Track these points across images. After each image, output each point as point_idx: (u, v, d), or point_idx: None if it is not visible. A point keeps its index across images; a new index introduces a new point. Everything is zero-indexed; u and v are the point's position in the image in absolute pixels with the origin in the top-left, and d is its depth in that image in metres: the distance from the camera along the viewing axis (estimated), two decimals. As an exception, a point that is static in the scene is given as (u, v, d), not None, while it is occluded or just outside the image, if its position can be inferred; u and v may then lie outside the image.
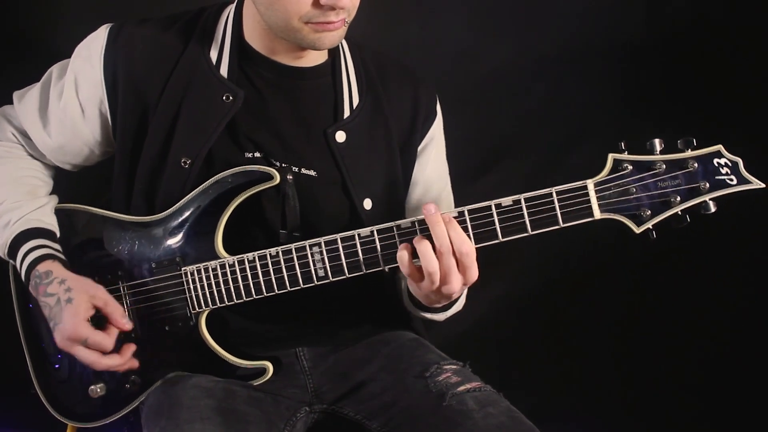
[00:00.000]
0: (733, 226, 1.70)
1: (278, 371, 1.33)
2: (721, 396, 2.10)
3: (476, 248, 1.18)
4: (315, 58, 1.38)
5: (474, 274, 1.18)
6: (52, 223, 1.38)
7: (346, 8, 1.23)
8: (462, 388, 1.28)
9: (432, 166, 1.48)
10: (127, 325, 1.30)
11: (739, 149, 1.15)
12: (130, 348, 1.32)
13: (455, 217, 1.19)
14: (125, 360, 1.31)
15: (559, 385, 2.12)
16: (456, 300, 1.33)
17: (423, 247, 1.16)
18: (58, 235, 1.38)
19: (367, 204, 1.37)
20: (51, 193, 1.46)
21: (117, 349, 1.30)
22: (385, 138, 1.41)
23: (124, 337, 1.32)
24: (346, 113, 1.38)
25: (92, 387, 1.35)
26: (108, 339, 1.28)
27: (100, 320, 1.30)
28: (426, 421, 1.26)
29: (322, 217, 1.36)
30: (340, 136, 1.36)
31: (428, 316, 1.40)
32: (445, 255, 1.15)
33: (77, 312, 1.26)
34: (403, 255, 1.18)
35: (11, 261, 1.37)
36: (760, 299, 2.03)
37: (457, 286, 1.17)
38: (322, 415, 1.38)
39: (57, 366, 1.40)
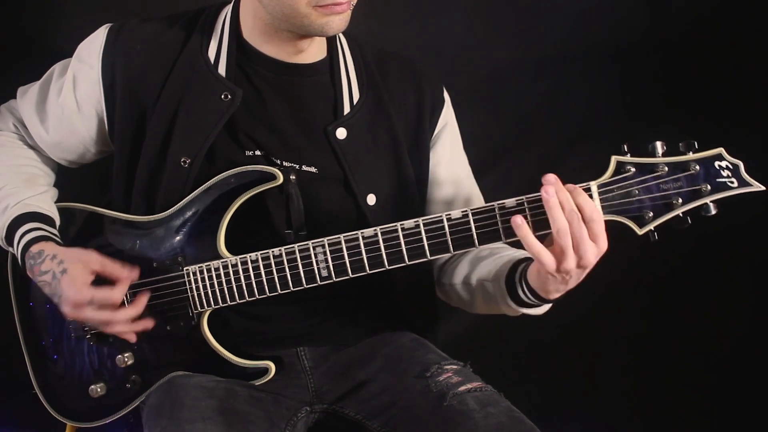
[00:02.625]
0: (734, 228, 1.71)
1: (280, 371, 1.33)
2: (722, 396, 2.10)
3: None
4: (313, 55, 1.38)
5: (605, 242, 1.14)
6: (50, 210, 1.38)
7: None
8: (463, 388, 1.28)
9: (449, 155, 1.46)
10: (133, 272, 1.28)
11: (740, 151, 1.15)
12: (143, 297, 1.29)
13: (458, 219, 1.19)
14: (138, 309, 1.28)
15: (559, 385, 2.13)
16: None
17: (554, 209, 1.12)
18: (58, 222, 1.38)
19: (371, 200, 1.37)
20: (53, 186, 1.46)
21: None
22: (388, 134, 1.40)
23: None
24: (347, 109, 1.38)
25: (92, 387, 1.35)
26: (113, 292, 1.26)
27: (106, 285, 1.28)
28: (426, 421, 1.26)
29: (325, 213, 1.36)
30: (341, 133, 1.36)
31: (531, 312, 1.33)
32: (575, 222, 1.11)
33: (74, 279, 1.25)
34: (523, 228, 1.13)
35: (10, 248, 1.36)
36: (761, 300, 2.04)
37: (591, 255, 1.13)
38: (323, 415, 1.38)
39: (55, 356, 1.39)
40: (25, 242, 1.31)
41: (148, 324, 1.30)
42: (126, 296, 1.31)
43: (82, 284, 1.25)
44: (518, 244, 1.20)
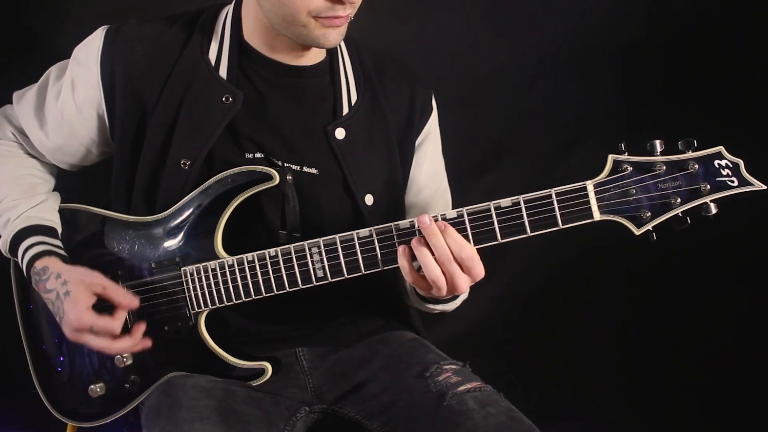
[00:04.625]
0: (734, 228, 1.70)
1: (277, 371, 1.33)
2: (722, 396, 2.10)
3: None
4: (314, 57, 1.38)
5: (479, 271, 1.17)
6: (52, 220, 1.38)
7: (355, 2, 1.24)
8: (462, 388, 1.28)
9: (429, 162, 1.48)
10: (133, 301, 1.29)
11: (740, 150, 1.14)
12: (141, 327, 1.31)
13: (454, 219, 1.19)
14: (137, 340, 1.30)
15: (559, 385, 2.13)
16: None
17: (423, 257, 1.16)
18: (60, 230, 1.38)
19: (369, 200, 1.37)
20: (53, 191, 1.46)
21: (127, 333, 1.30)
22: (383, 133, 1.41)
23: (134, 318, 1.32)
24: (345, 110, 1.38)
25: (92, 387, 1.35)
26: (113, 321, 1.27)
27: (106, 308, 1.29)
28: (426, 421, 1.26)
29: (324, 215, 1.36)
30: (340, 133, 1.36)
31: (438, 308, 1.40)
32: (447, 263, 1.16)
33: (77, 302, 1.26)
34: (403, 264, 1.18)
35: (14, 259, 1.37)
36: (761, 300, 2.03)
37: (465, 287, 1.18)
38: (322, 415, 1.38)
39: (59, 369, 1.40)
40: (30, 258, 1.32)
41: (146, 344, 1.31)
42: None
43: (84, 309, 1.26)
44: (517, 244, 1.20)
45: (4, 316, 1.49)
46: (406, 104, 1.44)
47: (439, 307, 1.40)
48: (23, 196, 1.38)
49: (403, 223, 1.21)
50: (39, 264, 1.31)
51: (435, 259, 1.16)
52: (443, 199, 1.52)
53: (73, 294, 1.27)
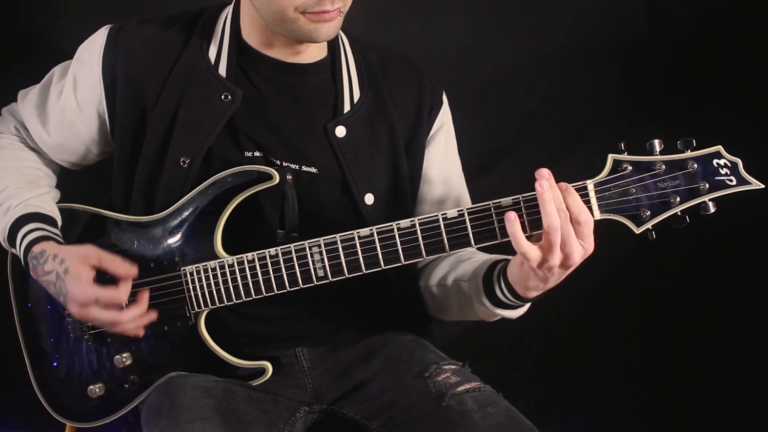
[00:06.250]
0: (733, 227, 1.70)
1: (278, 371, 1.33)
2: (722, 397, 2.10)
3: (476, 248, 1.17)
4: (314, 54, 1.38)
5: (592, 244, 1.14)
6: (52, 211, 1.38)
7: None
8: (461, 388, 1.28)
9: (442, 157, 1.46)
10: (132, 269, 1.29)
11: (738, 149, 1.14)
12: (145, 294, 1.30)
13: (454, 218, 1.18)
14: (143, 307, 1.28)
15: (559, 385, 2.12)
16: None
17: (545, 202, 1.10)
18: (60, 222, 1.38)
19: (369, 199, 1.37)
20: (55, 188, 1.46)
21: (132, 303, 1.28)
22: (387, 132, 1.40)
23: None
24: (347, 108, 1.38)
25: (91, 387, 1.36)
26: (118, 292, 1.26)
27: (107, 282, 1.28)
28: (425, 422, 1.26)
29: (324, 213, 1.36)
30: (340, 131, 1.36)
31: (506, 313, 1.31)
32: (564, 221, 1.11)
33: (78, 277, 1.26)
34: (515, 231, 1.12)
35: (11, 249, 1.36)
36: (761, 300, 2.03)
37: (576, 257, 1.13)
38: (322, 415, 1.38)
39: (55, 364, 1.40)
40: (27, 243, 1.32)
41: (152, 317, 1.30)
42: None
43: (86, 282, 1.26)
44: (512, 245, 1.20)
45: (3, 316, 1.48)
46: (414, 102, 1.43)
47: (506, 313, 1.30)
48: (26, 186, 1.39)
49: (404, 223, 1.21)
50: (37, 248, 1.31)
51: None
52: (465, 199, 1.49)
53: (72, 270, 1.26)
